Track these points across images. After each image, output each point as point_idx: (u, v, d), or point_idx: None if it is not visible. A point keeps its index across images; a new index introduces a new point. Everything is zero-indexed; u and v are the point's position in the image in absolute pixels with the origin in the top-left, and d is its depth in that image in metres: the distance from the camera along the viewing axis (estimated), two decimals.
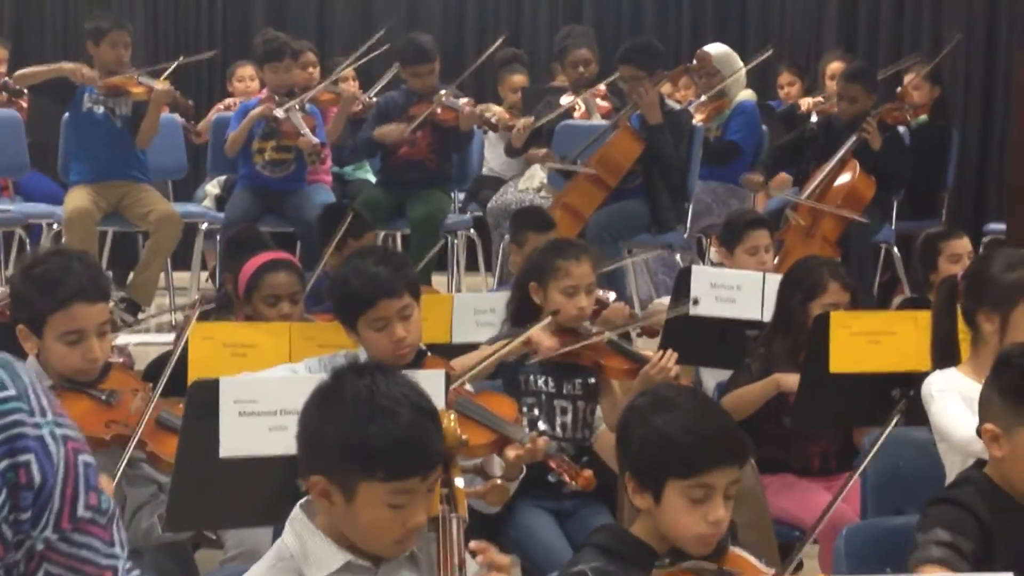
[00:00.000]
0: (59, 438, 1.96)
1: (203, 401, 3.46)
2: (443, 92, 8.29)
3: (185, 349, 4.27)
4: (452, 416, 2.85)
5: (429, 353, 4.33)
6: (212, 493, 3.52)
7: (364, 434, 2.58)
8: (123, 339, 7.07)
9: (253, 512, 3.53)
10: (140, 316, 7.77)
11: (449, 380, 3.73)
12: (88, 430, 3.74)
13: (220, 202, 8.74)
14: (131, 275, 8.32)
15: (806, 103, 9.86)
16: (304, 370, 4.15)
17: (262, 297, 5.10)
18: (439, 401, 3.62)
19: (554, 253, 4.87)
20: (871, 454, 3.97)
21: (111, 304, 7.86)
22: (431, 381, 3.63)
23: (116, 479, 3.67)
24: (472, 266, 9.75)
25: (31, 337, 3.85)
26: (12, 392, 1.95)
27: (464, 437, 2.90)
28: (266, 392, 3.45)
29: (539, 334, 4.69)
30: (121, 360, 5.04)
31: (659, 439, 2.89)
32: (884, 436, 3.80)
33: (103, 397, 3.86)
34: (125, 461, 3.69)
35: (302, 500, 2.71)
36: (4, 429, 1.93)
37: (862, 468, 4.13)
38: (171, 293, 8.53)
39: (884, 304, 8.15)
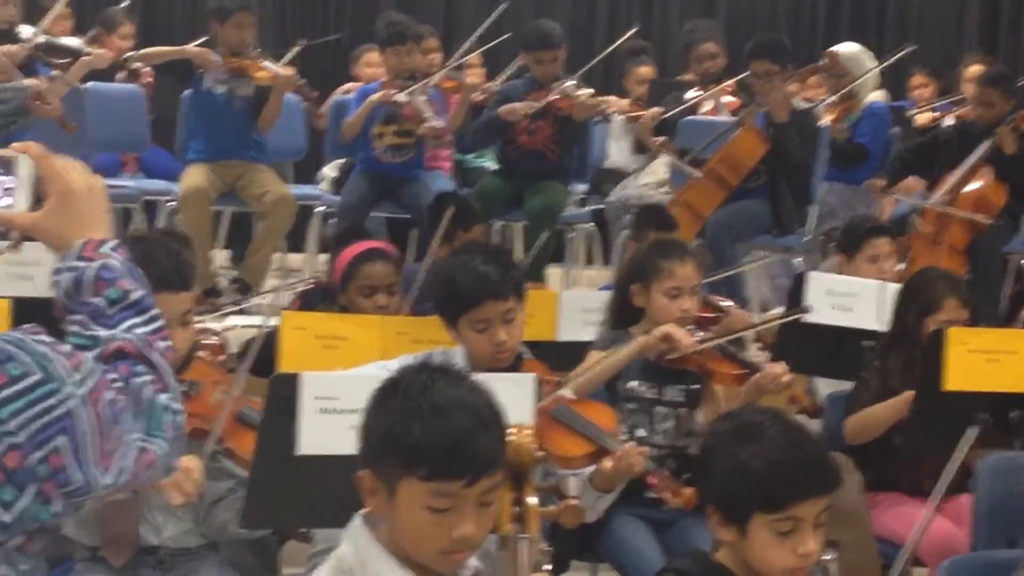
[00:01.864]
0: (86, 398, 2.06)
1: (283, 396, 3.37)
2: (564, 81, 8.16)
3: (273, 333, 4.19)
4: (529, 431, 2.71)
5: (528, 356, 4.20)
6: (290, 491, 3.43)
7: (409, 428, 2.46)
8: (231, 320, 7.06)
9: (331, 512, 3.37)
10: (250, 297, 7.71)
11: (540, 386, 3.60)
12: None
13: (337, 185, 8.68)
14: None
15: (922, 118, 9.59)
16: (398, 368, 4.04)
17: (357, 287, 5.04)
18: (528, 405, 3.51)
19: (658, 253, 4.73)
20: (950, 468, 3.80)
21: (225, 283, 7.92)
22: (521, 385, 3.53)
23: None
24: (591, 260, 9.62)
25: None
26: (38, 376, 2.04)
27: (540, 454, 2.77)
28: (348, 389, 3.35)
29: (678, 330, 4.54)
30: (218, 342, 4.99)
31: (743, 473, 2.75)
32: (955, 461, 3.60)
33: (183, 388, 3.76)
34: (206, 456, 3.60)
35: (363, 511, 2.59)
36: (34, 419, 2.03)
37: (944, 482, 3.98)
38: (284, 275, 8.48)
39: (1012, 318, 7.89)
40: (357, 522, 2.60)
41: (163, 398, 2.19)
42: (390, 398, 2.54)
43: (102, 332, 2.19)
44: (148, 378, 2.18)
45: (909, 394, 4.66)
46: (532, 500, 2.68)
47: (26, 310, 4.18)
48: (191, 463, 3.44)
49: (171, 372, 2.23)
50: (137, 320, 2.23)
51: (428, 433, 2.45)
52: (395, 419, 2.49)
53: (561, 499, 2.90)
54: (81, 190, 2.27)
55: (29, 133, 7.23)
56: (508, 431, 2.65)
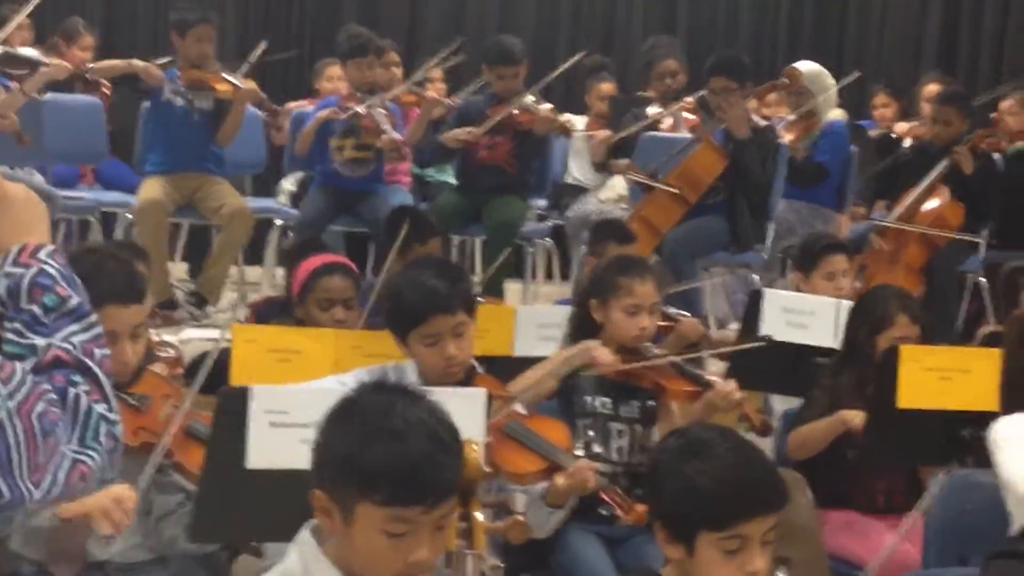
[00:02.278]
0: (14, 411, 2.01)
1: (232, 409, 3.35)
2: (524, 96, 8.14)
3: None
4: (476, 446, 2.70)
5: (480, 371, 4.19)
6: (238, 505, 3.41)
7: (368, 452, 2.44)
8: (187, 333, 7.04)
9: (281, 527, 3.33)
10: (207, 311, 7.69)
11: (491, 400, 3.59)
12: None
13: (295, 199, 8.66)
14: None
15: (901, 128, 9.63)
16: (353, 382, 4.02)
17: (315, 300, 5.02)
18: (478, 421, 3.49)
19: (617, 270, 4.72)
20: (930, 494, 3.81)
21: (181, 296, 7.88)
22: (471, 400, 3.51)
23: (143, 488, 3.56)
24: (550, 275, 9.61)
25: None
26: None
27: (487, 469, 2.75)
28: (298, 403, 3.33)
29: (602, 350, 4.54)
30: (175, 356, 4.96)
31: (689, 490, 2.74)
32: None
33: (133, 402, 3.74)
34: (152, 471, 3.57)
35: (311, 523, 2.58)
36: None
37: (922, 507, 3.98)
38: (241, 288, 8.45)
39: (969, 336, 7.92)
40: (305, 534, 2.59)
41: (100, 408, 2.14)
42: (348, 419, 2.51)
43: (39, 341, 2.15)
44: (85, 388, 2.13)
45: (846, 413, 4.67)
46: (479, 515, 2.67)
47: None
48: (124, 492, 3.40)
49: (109, 381, 2.20)
50: (75, 327, 2.18)
51: (388, 458, 2.43)
52: (354, 442, 2.47)
53: (508, 515, 2.88)
54: (18, 196, 2.23)
55: None
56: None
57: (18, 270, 2.18)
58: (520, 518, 2.86)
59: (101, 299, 3.63)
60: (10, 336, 2.16)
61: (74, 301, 2.19)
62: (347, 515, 2.47)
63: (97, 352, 2.19)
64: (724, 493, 2.70)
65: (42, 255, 2.20)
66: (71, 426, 2.10)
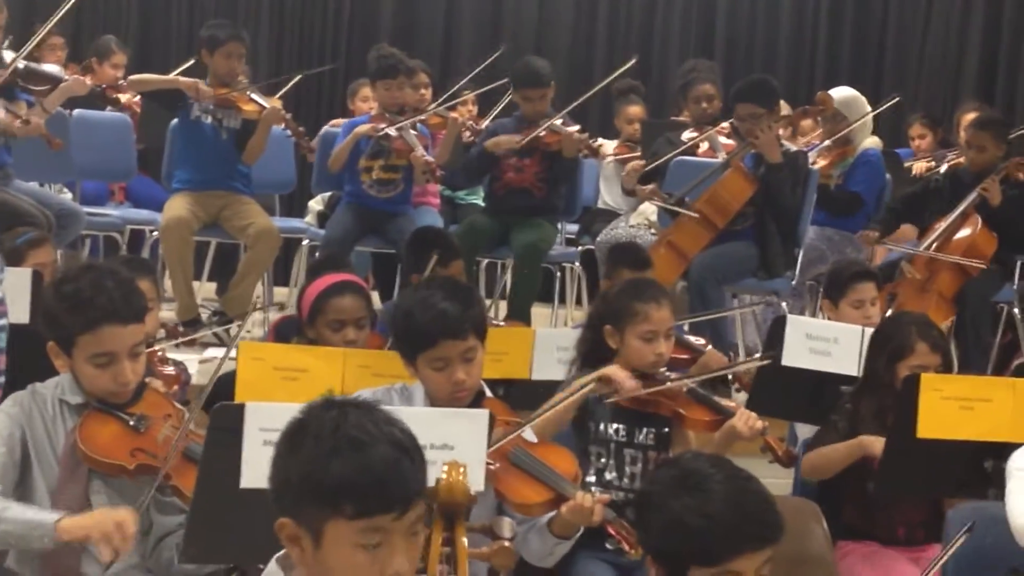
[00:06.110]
0: None
1: (227, 427, 3.28)
2: (552, 117, 8.07)
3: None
4: (462, 469, 2.62)
5: (488, 394, 4.10)
6: (231, 525, 3.34)
7: (327, 468, 2.37)
8: (210, 352, 6.99)
9: (275, 549, 3.31)
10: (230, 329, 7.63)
11: (493, 422, 3.51)
12: (112, 456, 3.59)
13: (323, 219, 8.61)
14: None
15: (919, 167, 9.52)
16: None
17: (326, 321, 4.95)
18: (479, 442, 3.42)
19: (632, 295, 4.63)
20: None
21: (206, 316, 7.82)
22: (473, 421, 3.44)
23: (141, 510, 3.49)
24: (580, 300, 9.53)
25: (61, 355, 3.67)
26: None
27: (473, 492, 2.67)
28: None
29: (620, 372, 4.45)
30: (175, 372, 4.92)
31: (678, 526, 2.67)
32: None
33: (132, 422, 3.67)
34: (151, 494, 3.51)
35: (279, 554, 2.51)
36: None
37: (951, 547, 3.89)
38: (266, 309, 8.38)
39: (1002, 367, 7.81)
40: (272, 566, 2.53)
41: None
42: (300, 440, 2.44)
43: None
44: None
45: (866, 438, 4.59)
46: (464, 540, 2.59)
47: None
48: (126, 517, 3.33)
49: None
50: None
51: (349, 470, 2.36)
52: (312, 461, 2.40)
53: (494, 540, 2.80)
54: None
55: (12, 153, 7.24)
56: (441, 469, 2.58)
57: None
58: (506, 543, 2.78)
59: (99, 319, 3.59)
60: None
61: None
62: (317, 538, 2.41)
63: None
64: (714, 531, 2.64)
65: None
66: None
